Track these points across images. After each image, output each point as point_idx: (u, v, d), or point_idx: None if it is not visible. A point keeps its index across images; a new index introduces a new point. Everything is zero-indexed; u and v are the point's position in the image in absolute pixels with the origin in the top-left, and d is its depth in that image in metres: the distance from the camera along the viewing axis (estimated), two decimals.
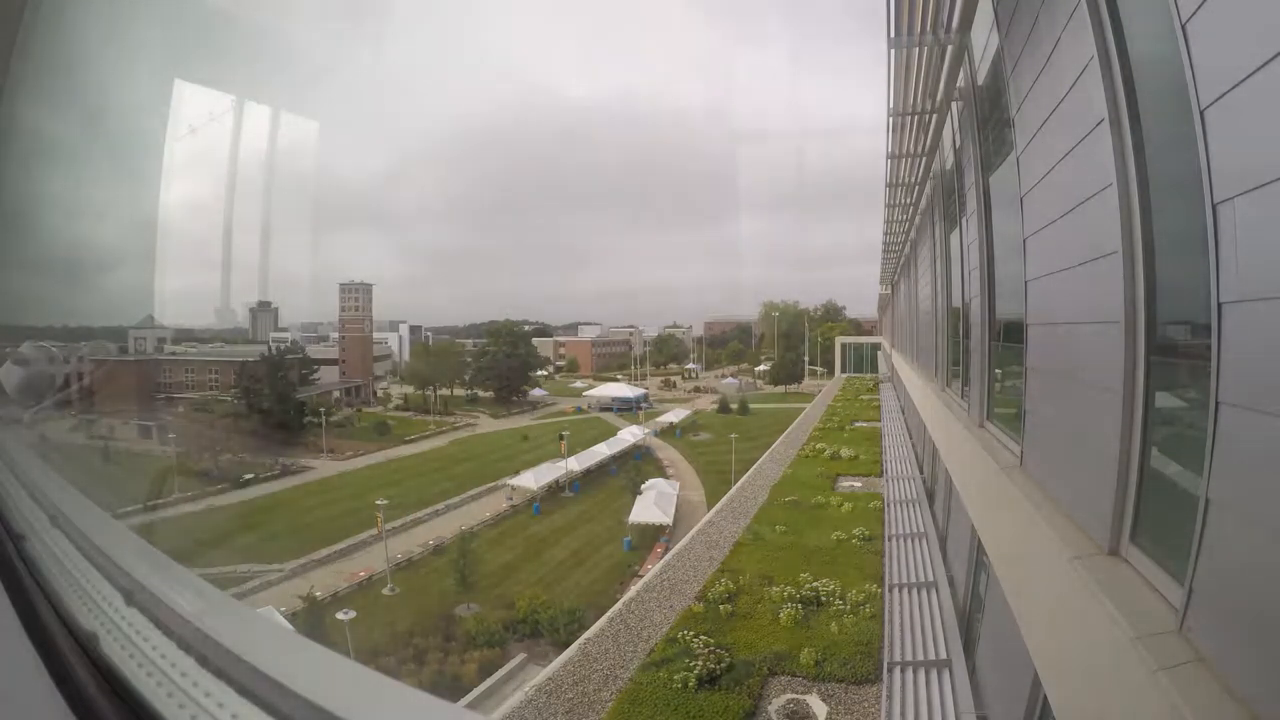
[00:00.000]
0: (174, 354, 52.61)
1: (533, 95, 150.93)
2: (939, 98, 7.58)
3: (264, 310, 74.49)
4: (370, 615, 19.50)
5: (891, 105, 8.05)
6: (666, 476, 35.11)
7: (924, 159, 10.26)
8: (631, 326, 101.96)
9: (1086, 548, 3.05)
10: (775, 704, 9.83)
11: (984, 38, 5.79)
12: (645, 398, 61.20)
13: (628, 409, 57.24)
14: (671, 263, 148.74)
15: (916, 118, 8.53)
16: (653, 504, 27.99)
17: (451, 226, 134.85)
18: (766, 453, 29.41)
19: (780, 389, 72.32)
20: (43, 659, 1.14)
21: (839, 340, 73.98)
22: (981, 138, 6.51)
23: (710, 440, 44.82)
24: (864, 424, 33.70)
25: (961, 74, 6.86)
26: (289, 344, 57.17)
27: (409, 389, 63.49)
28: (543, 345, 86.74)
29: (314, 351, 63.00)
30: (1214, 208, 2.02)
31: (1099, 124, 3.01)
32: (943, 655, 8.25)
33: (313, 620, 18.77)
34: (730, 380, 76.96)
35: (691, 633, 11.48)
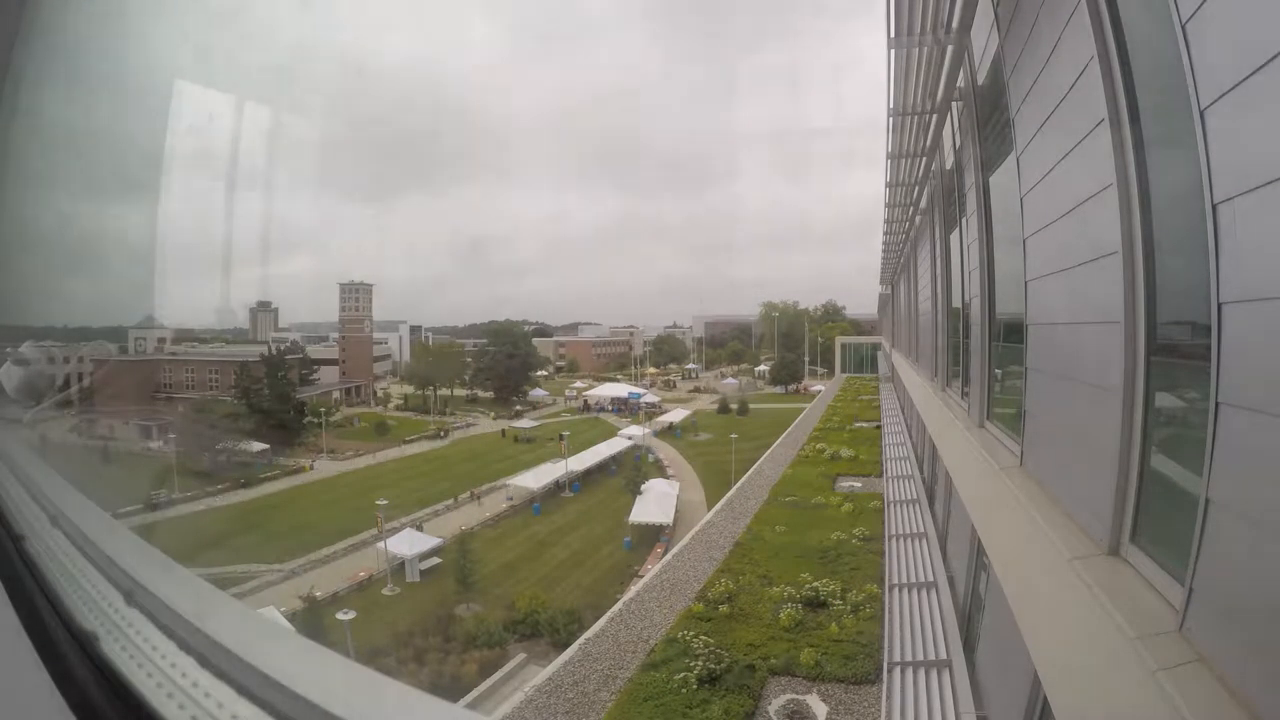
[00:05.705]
0: (174, 354, 52.60)
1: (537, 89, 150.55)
2: (939, 98, 7.58)
3: (264, 310, 74.43)
4: (370, 615, 19.51)
5: (891, 105, 8.06)
6: (666, 476, 35.08)
7: (924, 159, 10.26)
8: (632, 327, 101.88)
9: (1086, 548, 3.05)
10: (775, 704, 9.84)
11: (984, 38, 5.79)
12: (645, 398, 61.23)
13: (627, 409, 57.27)
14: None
15: (916, 118, 8.53)
16: (652, 504, 27.98)
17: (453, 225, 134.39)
18: (766, 453, 29.41)
19: (780, 389, 72.33)
20: (43, 659, 1.14)
21: (839, 340, 73.99)
22: (981, 138, 6.51)
23: (710, 440, 44.81)
24: (864, 424, 33.71)
25: (961, 74, 6.86)
26: (289, 344, 57.18)
27: (409, 389, 63.49)
28: (543, 345, 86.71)
29: (314, 352, 63.00)
30: (1214, 208, 2.01)
31: (1099, 124, 3.01)
32: (943, 655, 8.25)
33: (313, 620, 18.78)
34: (730, 380, 76.88)
35: (691, 633, 11.49)
